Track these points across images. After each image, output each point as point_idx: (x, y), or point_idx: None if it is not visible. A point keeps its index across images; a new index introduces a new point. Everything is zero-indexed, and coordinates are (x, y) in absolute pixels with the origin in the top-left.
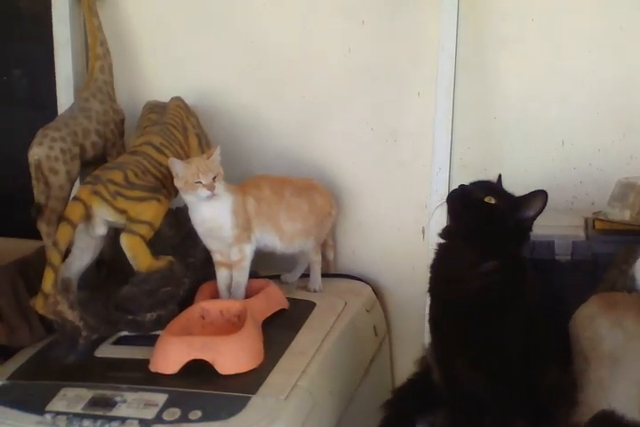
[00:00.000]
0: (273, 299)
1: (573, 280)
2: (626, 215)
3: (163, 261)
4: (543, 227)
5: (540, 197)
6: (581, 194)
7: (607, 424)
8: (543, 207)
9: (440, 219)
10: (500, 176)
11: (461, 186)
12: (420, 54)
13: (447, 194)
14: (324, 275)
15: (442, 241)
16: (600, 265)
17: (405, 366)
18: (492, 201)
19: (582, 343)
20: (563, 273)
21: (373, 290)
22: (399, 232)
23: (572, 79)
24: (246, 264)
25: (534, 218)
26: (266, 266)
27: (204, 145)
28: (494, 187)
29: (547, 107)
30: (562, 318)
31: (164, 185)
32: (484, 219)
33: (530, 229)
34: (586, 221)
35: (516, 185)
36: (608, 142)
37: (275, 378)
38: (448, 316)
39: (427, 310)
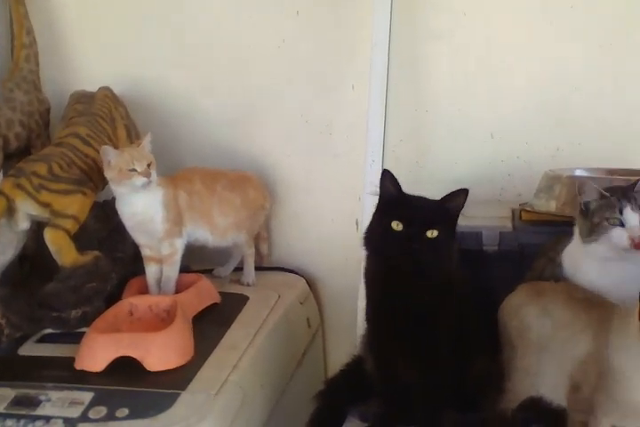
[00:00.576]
0: (204, 293)
1: (501, 270)
2: (551, 206)
3: (88, 256)
4: (471, 218)
5: (461, 194)
6: (509, 186)
7: (535, 411)
8: (464, 203)
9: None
10: (385, 172)
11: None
12: (354, 47)
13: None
14: (257, 268)
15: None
16: (526, 255)
17: (338, 357)
18: (400, 227)
19: (510, 332)
20: (490, 263)
21: (307, 282)
22: (333, 224)
23: (502, 73)
24: (177, 259)
25: (457, 215)
26: (198, 260)
27: (134, 136)
28: (403, 204)
29: (477, 100)
30: (490, 307)
31: (91, 178)
32: (394, 245)
33: (455, 224)
34: (513, 212)
35: (447, 177)
36: (535, 136)
37: (205, 374)
38: (382, 309)
39: (359, 302)
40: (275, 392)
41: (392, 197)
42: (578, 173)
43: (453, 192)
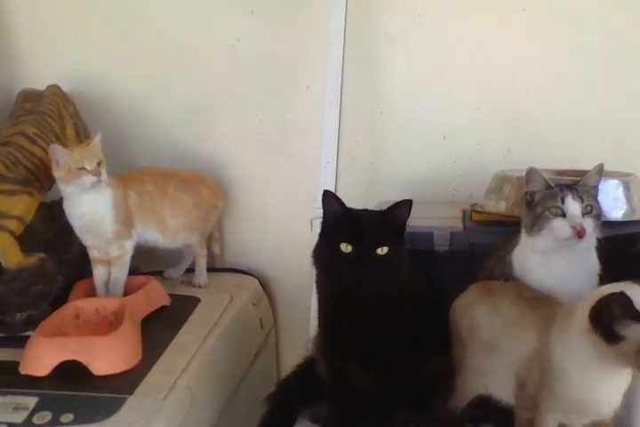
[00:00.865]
0: (154, 296)
1: (451, 270)
2: (501, 207)
3: (33, 258)
4: (424, 219)
5: (405, 205)
6: (461, 187)
7: (484, 409)
8: (409, 213)
9: None
10: (325, 192)
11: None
12: (309, 47)
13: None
14: (209, 269)
15: None
16: (477, 255)
17: (292, 357)
18: (349, 249)
19: (460, 331)
20: (442, 263)
21: (261, 283)
22: (288, 224)
23: (454, 75)
24: (126, 260)
25: (404, 226)
26: (148, 261)
27: (83, 136)
28: (350, 223)
29: (430, 102)
30: (441, 307)
31: (37, 177)
32: (344, 268)
33: (403, 233)
34: (464, 212)
35: (401, 178)
36: (486, 137)
37: (153, 378)
38: (334, 322)
39: (313, 302)
40: (225, 395)
41: (337, 216)
42: None
43: (397, 203)
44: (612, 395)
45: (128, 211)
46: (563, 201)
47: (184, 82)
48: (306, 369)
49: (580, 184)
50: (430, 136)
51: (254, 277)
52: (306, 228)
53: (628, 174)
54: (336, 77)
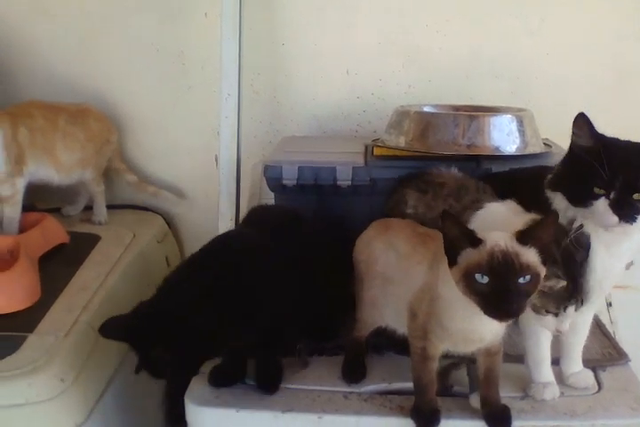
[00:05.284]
0: (50, 233)
1: (354, 204)
2: (401, 142)
3: None
4: (327, 154)
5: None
6: (364, 122)
7: (386, 338)
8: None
9: (231, 145)
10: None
11: None
12: None
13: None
14: (112, 206)
15: None
16: (378, 189)
17: None
18: None
19: (359, 266)
20: (344, 197)
21: (166, 220)
22: (191, 159)
23: (355, 7)
24: (19, 199)
25: None
26: (45, 198)
27: None
28: None
29: (331, 35)
30: (345, 241)
31: None
32: None
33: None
34: (366, 147)
35: (305, 113)
36: (388, 72)
37: (54, 315)
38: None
39: None
40: None
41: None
42: (426, 109)
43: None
44: (494, 324)
45: (19, 149)
46: None
47: (71, 6)
48: None
49: None
50: (333, 70)
51: (158, 213)
52: (210, 163)
53: (522, 110)
54: (234, 5)
